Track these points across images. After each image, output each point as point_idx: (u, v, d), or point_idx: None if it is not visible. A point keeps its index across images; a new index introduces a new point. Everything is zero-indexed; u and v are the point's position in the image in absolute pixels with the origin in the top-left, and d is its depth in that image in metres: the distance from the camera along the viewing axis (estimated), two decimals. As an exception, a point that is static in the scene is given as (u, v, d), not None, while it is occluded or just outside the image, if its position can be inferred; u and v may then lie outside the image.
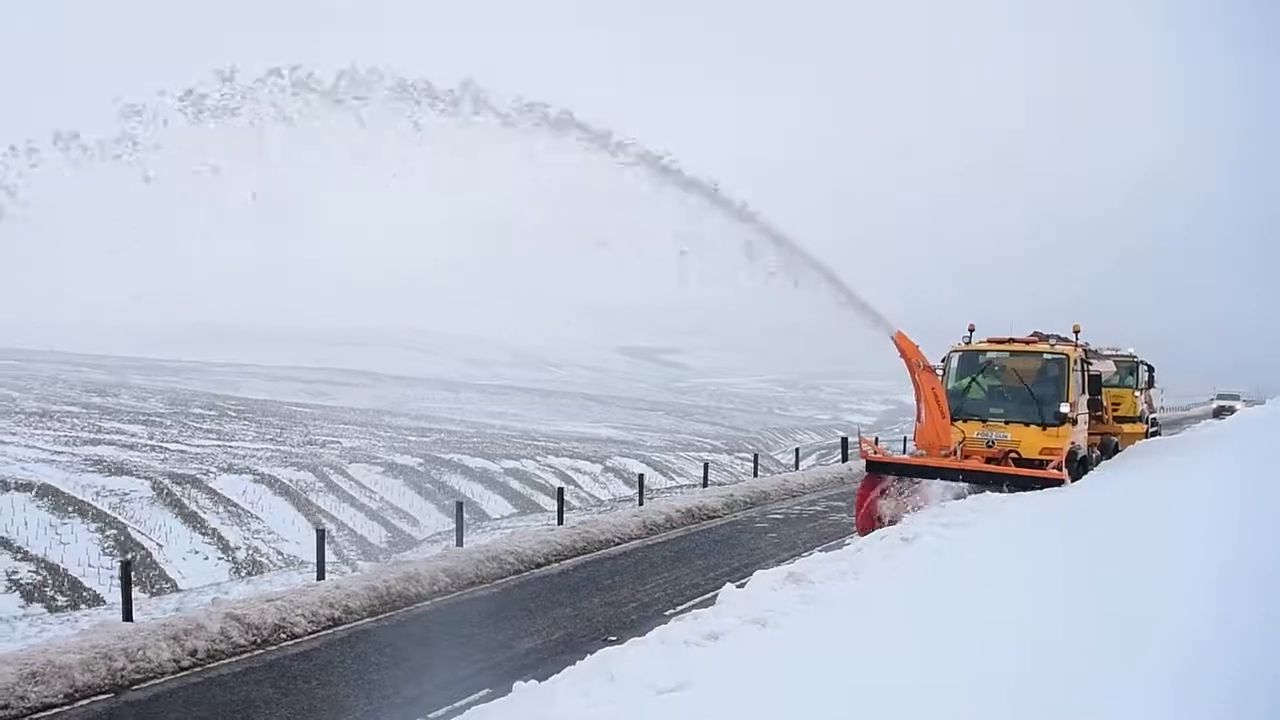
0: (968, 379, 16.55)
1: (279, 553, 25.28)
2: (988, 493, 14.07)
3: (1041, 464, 14.90)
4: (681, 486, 37.02)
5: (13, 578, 19.20)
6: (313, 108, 10.64)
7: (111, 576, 19.64)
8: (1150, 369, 23.07)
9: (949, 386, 16.29)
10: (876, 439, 31.13)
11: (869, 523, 15.76)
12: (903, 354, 15.23)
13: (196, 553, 24.07)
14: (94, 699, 9.40)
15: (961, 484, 14.96)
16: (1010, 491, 14.00)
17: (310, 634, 11.73)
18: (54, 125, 9.01)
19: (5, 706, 8.79)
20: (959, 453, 15.49)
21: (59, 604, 18.80)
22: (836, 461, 36.16)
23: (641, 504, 21.42)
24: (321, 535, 14.72)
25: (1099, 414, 18.01)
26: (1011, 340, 16.73)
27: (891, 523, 14.43)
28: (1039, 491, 13.81)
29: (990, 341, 16.96)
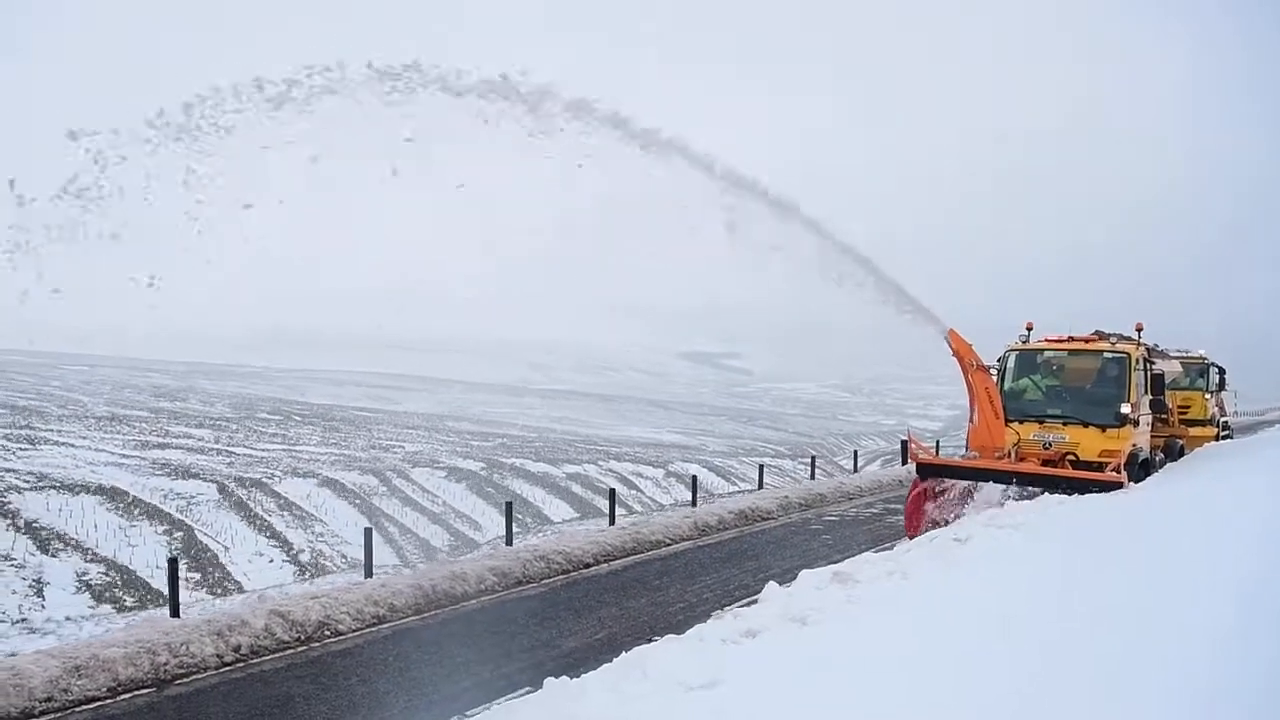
0: (1024, 379, 16.16)
1: (343, 555, 25.54)
2: (1045, 495, 13.62)
3: (1100, 466, 14.40)
4: (743, 491, 36.73)
5: (82, 579, 19.61)
6: (365, 109, 10.63)
7: (179, 578, 20.01)
8: (1221, 371, 22.30)
9: (1005, 386, 15.88)
10: (938, 443, 30.60)
11: (919, 527, 15.40)
12: (955, 353, 14.85)
13: (261, 555, 24.41)
14: (136, 693, 9.50)
15: (1015, 487, 14.53)
16: (1068, 494, 13.55)
17: (354, 631, 11.76)
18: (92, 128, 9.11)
19: (49, 699, 8.92)
20: (1014, 455, 15.11)
21: (127, 605, 19.13)
22: (898, 465, 35.61)
23: (695, 505, 21.26)
24: (369, 533, 14.82)
25: (1163, 415, 17.43)
26: (1070, 339, 16.27)
27: (943, 526, 14.08)
28: (1099, 494, 13.32)
29: (1048, 340, 16.52)
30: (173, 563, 12.54)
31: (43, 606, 17.29)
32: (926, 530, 14.48)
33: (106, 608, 18.63)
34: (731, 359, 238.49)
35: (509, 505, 18.25)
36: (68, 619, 16.09)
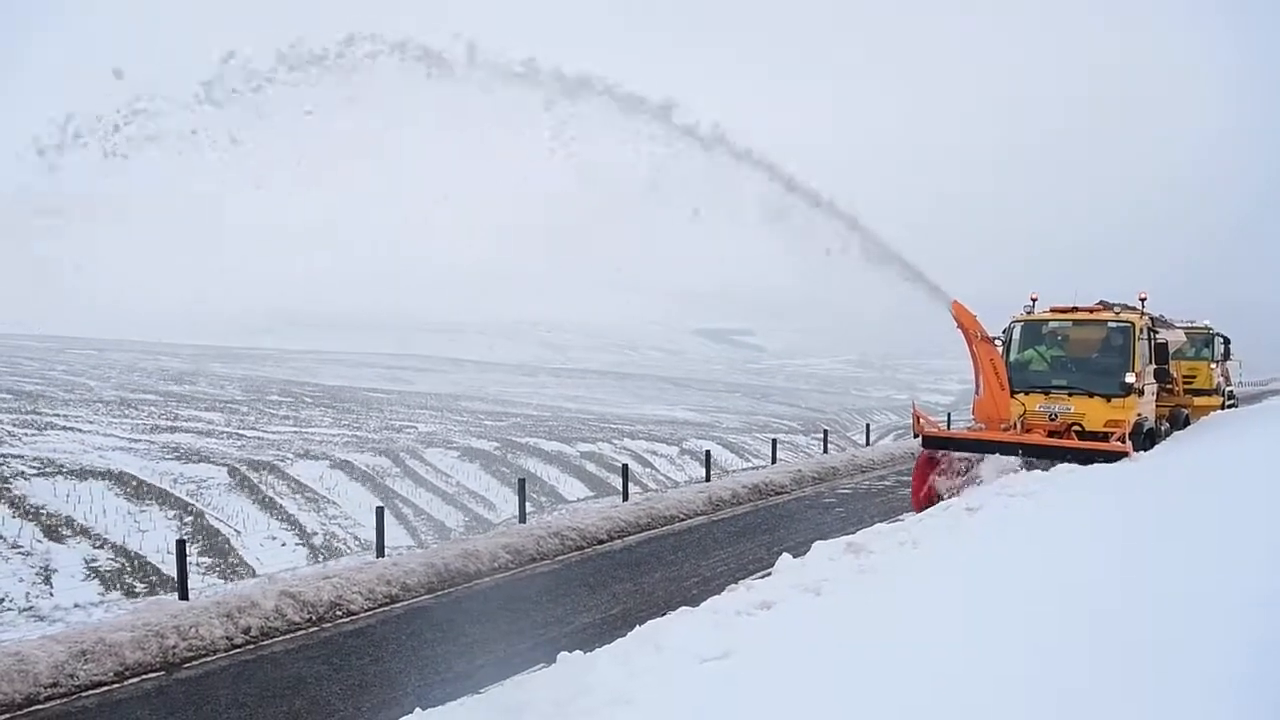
0: (1029, 350, 16.06)
1: (356, 538, 25.50)
2: (1056, 464, 13.52)
3: (1106, 436, 14.25)
4: (757, 467, 36.66)
5: (91, 565, 19.52)
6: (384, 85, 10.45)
7: (190, 564, 19.94)
8: (1226, 341, 22.27)
9: (1010, 358, 15.81)
10: (949, 416, 30.39)
11: (925, 500, 15.24)
12: (960, 325, 14.80)
13: (274, 539, 24.36)
14: (144, 677, 9.36)
15: (1022, 458, 14.35)
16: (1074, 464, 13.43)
17: (367, 611, 11.63)
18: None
19: (54, 684, 8.78)
20: (1020, 426, 15.00)
21: (137, 591, 19.05)
22: (909, 438, 35.42)
23: (709, 480, 21.13)
24: (380, 512, 14.70)
25: (1168, 385, 17.34)
26: (1075, 309, 16.15)
27: (948, 499, 13.93)
28: (1108, 464, 13.20)
29: (1053, 311, 16.41)
30: (180, 544, 12.46)
31: (51, 594, 17.21)
32: (933, 504, 14.35)
33: (116, 594, 18.52)
34: (746, 335, 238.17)
35: (522, 482, 18.15)
36: (76, 606, 16.01)
